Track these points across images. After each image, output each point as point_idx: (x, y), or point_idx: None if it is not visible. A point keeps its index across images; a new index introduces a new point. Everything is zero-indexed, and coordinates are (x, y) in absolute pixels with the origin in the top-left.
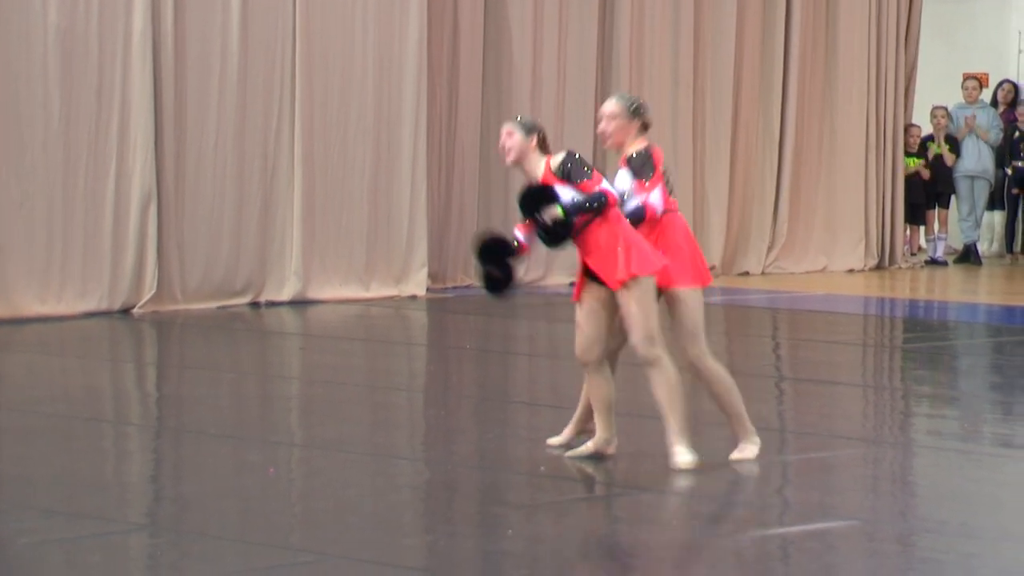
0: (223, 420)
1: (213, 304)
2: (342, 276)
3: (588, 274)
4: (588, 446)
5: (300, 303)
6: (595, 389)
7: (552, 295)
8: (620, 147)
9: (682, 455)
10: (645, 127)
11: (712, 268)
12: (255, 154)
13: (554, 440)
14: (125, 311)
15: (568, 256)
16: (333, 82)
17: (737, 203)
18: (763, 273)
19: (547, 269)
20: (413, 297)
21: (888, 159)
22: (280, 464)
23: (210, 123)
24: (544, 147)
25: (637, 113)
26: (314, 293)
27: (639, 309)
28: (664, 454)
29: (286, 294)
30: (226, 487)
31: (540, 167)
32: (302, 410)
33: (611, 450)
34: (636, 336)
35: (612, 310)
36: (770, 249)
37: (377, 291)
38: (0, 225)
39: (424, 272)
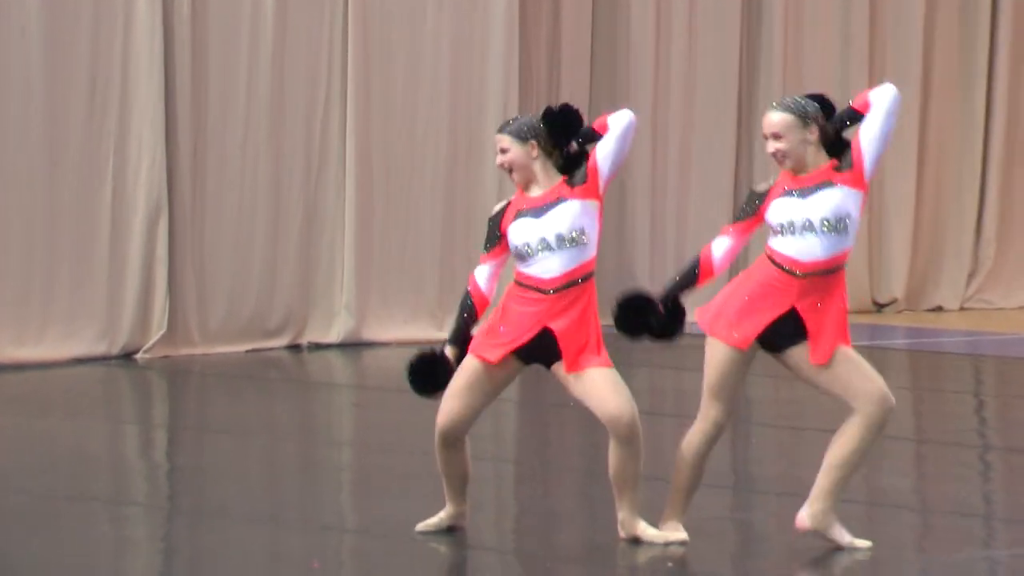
0: (254, 498)
1: (241, 347)
2: (408, 311)
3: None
4: (443, 518)
5: (353, 346)
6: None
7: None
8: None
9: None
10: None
11: (894, 301)
12: (295, 154)
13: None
14: (127, 356)
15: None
16: (396, 62)
17: (927, 214)
18: (962, 308)
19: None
20: None
21: None
22: (327, 556)
23: (236, 114)
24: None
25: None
26: (371, 333)
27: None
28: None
29: (335, 334)
30: None
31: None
32: (356, 485)
33: (464, 523)
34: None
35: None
36: (971, 278)
37: None
38: None
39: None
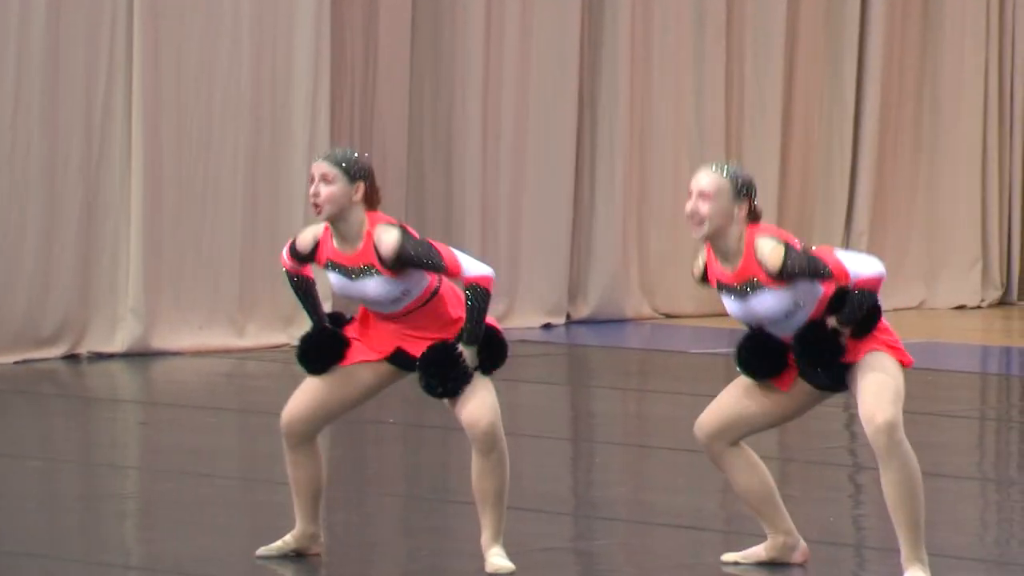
0: (26, 531)
1: (9, 358)
2: (204, 316)
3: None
4: (289, 542)
5: (140, 356)
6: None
7: (516, 343)
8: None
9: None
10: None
11: None
12: (72, 134)
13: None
14: None
15: (544, 285)
16: (191, 25)
17: (792, 205)
18: None
19: (511, 303)
20: None
21: (1017, 146)
22: None
23: (3, 86)
24: (371, 199)
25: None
26: (161, 341)
27: None
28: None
29: (119, 343)
30: None
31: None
32: (144, 516)
33: (316, 548)
34: None
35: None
36: None
37: (256, 338)
38: None
39: (327, 309)
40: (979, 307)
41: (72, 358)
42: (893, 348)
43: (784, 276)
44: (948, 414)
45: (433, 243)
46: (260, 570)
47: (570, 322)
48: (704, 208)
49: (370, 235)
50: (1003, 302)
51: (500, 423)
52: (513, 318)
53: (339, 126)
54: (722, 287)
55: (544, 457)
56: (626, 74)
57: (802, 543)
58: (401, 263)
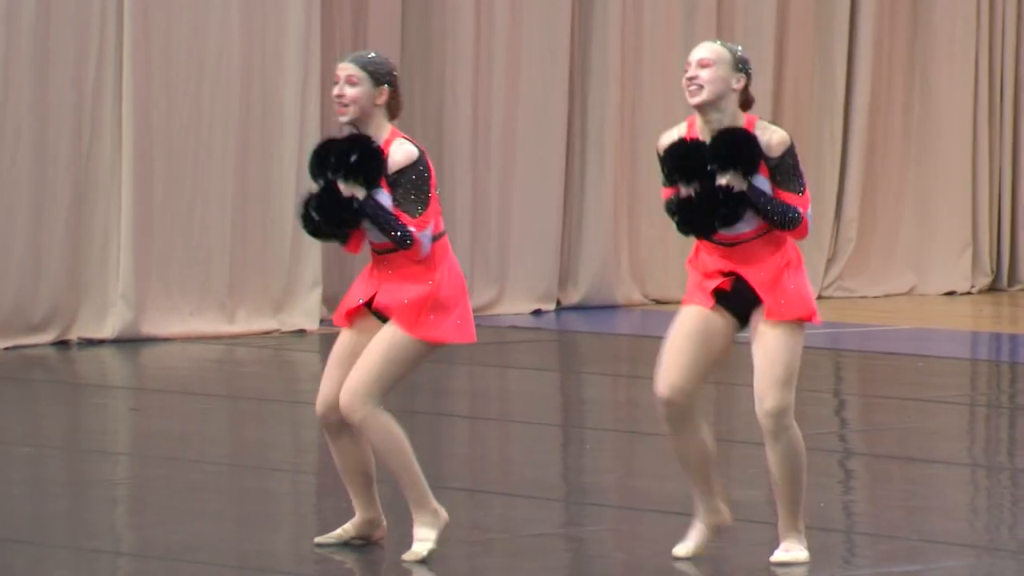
0: (13, 517)
1: None
2: (194, 302)
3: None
4: (348, 529)
5: (131, 342)
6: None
7: (507, 329)
8: None
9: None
10: None
11: None
12: (63, 121)
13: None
14: None
15: (535, 272)
16: (180, 20)
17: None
18: (820, 297)
19: (501, 289)
20: (301, 332)
21: (1008, 132)
22: None
23: None
24: (393, 107)
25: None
26: (152, 327)
27: None
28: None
29: (110, 329)
30: None
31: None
32: (134, 502)
33: (379, 533)
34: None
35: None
36: (830, 263)
37: (246, 324)
38: None
39: (317, 296)
40: (969, 293)
41: (62, 344)
42: (801, 301)
43: (781, 160)
44: (938, 400)
45: (433, 196)
46: (249, 556)
47: (560, 308)
48: (704, 74)
49: (388, 144)
50: (993, 288)
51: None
52: (503, 304)
53: (329, 113)
54: None
55: (534, 443)
56: (616, 62)
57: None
58: (398, 178)
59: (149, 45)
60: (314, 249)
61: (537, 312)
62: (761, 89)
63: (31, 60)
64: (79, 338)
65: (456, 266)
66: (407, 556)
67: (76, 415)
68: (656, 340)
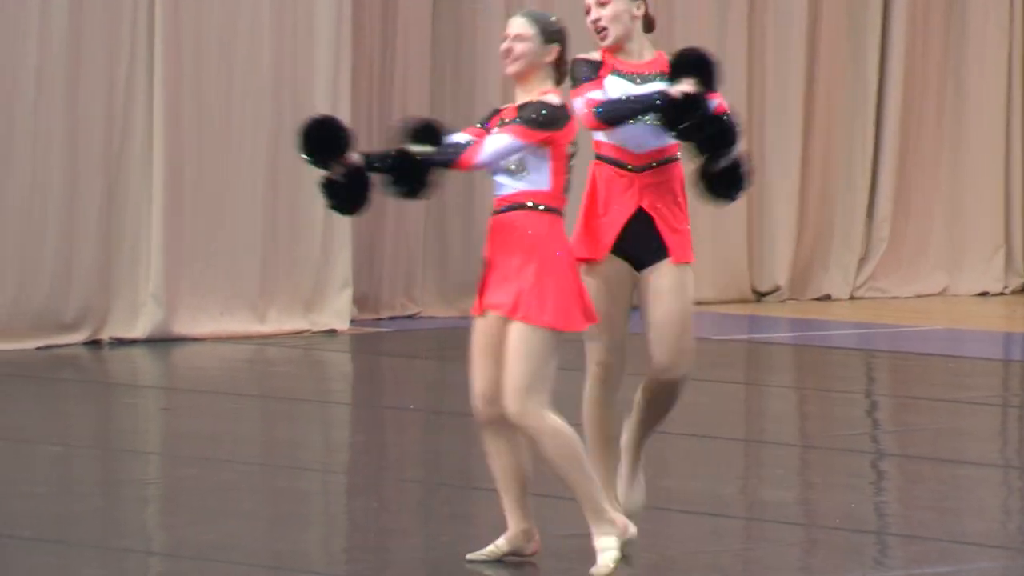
0: (44, 517)
1: (30, 344)
2: (224, 302)
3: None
4: (501, 545)
5: (162, 342)
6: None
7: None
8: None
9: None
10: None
11: (776, 290)
12: (94, 120)
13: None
14: None
15: None
16: (210, 20)
17: (813, 194)
18: (852, 298)
19: None
20: (331, 332)
21: None
22: None
23: (26, 74)
24: (560, 69)
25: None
26: (182, 327)
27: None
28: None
29: (141, 329)
30: None
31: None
32: (165, 502)
33: (533, 547)
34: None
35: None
36: (863, 263)
37: (277, 324)
38: None
39: (347, 296)
40: (1002, 294)
41: (93, 344)
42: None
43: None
44: (970, 401)
45: (554, 157)
46: (281, 556)
47: None
48: (604, 12)
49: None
50: None
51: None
52: None
53: (358, 110)
54: (615, 74)
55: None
56: None
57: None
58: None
59: (180, 48)
60: (344, 250)
61: None
62: (793, 91)
63: (63, 62)
64: (110, 338)
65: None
66: (594, 571)
67: (107, 414)
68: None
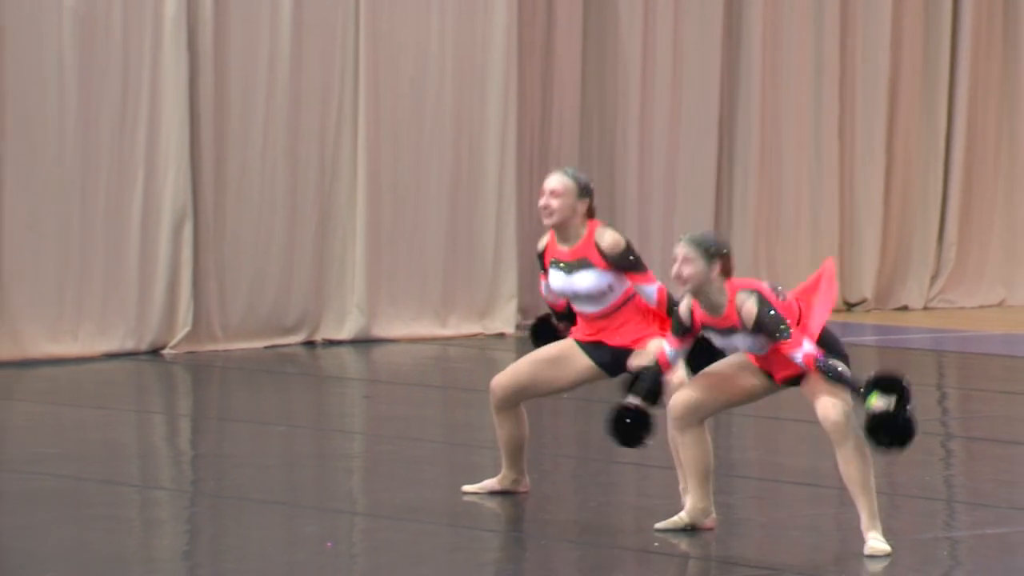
0: (272, 484)
1: (260, 343)
2: (414, 310)
3: None
4: (683, 517)
5: (364, 342)
6: (688, 449)
7: None
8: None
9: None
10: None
11: (863, 301)
12: (310, 162)
13: (471, 487)
14: (154, 352)
15: None
16: (404, 76)
17: (894, 220)
18: (926, 308)
19: None
20: (500, 335)
21: None
22: (340, 537)
23: (256, 124)
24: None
25: (586, 193)
26: (381, 330)
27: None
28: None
29: (347, 331)
30: (275, 565)
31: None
32: (367, 472)
33: (710, 523)
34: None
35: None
36: (934, 278)
37: (457, 328)
38: (6, 250)
39: (513, 305)
40: None
41: (309, 344)
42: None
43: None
44: (1023, 392)
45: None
46: (460, 516)
47: None
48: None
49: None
50: None
51: (850, 416)
52: None
53: (521, 153)
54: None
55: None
56: (757, 119)
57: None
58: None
59: (379, 105)
60: (511, 268)
61: None
62: (877, 139)
63: (285, 115)
64: (323, 339)
65: None
66: (867, 551)
67: (320, 401)
68: None
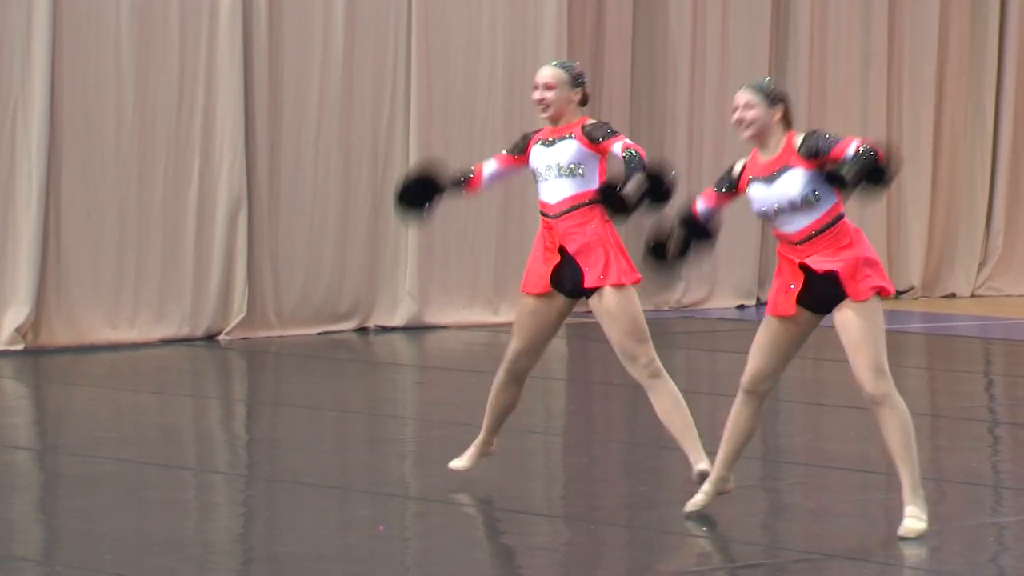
0: (325, 468)
1: (313, 330)
2: (466, 297)
3: (809, 288)
4: (707, 490)
5: (416, 329)
6: (739, 421)
7: (716, 320)
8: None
9: (914, 521)
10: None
11: (911, 289)
12: (363, 151)
13: (457, 464)
14: (210, 338)
15: (738, 274)
16: (455, 66)
17: (941, 209)
18: (973, 295)
19: (711, 289)
20: None
21: None
22: (392, 521)
23: (310, 115)
24: (787, 121)
25: (579, 82)
26: (433, 317)
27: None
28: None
29: (399, 318)
30: (328, 547)
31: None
32: (419, 456)
33: (728, 488)
34: (866, 367)
35: (799, 338)
36: (982, 266)
37: (508, 315)
38: (65, 238)
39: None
40: None
41: (362, 330)
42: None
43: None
44: None
45: None
46: (510, 500)
47: (760, 303)
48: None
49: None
50: None
51: (887, 379)
52: (712, 300)
53: None
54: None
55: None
56: (804, 106)
57: None
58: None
59: (431, 94)
60: None
61: (740, 307)
62: (924, 129)
63: (338, 104)
64: (375, 326)
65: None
66: (902, 532)
67: (373, 387)
68: (831, 329)
